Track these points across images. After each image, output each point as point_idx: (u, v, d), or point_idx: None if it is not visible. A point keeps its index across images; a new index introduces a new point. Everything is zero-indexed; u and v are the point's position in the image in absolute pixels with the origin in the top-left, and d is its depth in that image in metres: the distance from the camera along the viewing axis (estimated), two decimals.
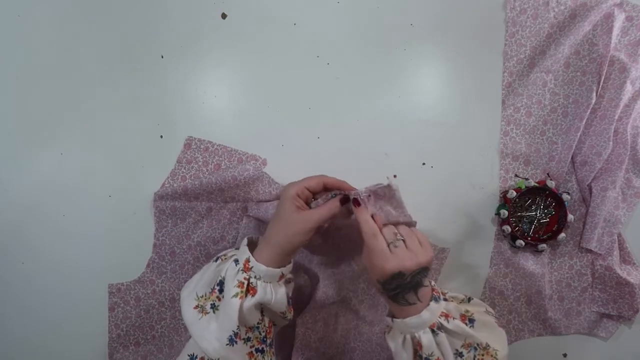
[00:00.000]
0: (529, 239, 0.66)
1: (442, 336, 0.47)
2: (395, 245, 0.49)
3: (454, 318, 0.48)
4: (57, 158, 0.63)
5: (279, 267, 0.49)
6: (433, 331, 0.47)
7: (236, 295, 0.46)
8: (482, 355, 0.48)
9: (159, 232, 0.64)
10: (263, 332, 0.50)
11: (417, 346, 0.48)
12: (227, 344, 0.46)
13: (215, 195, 0.63)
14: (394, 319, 0.50)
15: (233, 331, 0.46)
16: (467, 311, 0.51)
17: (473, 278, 0.68)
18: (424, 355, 0.47)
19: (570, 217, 0.66)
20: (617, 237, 0.67)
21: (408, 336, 0.48)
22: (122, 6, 0.63)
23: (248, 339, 0.48)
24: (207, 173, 0.64)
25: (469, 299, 0.54)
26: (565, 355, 0.71)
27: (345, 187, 0.53)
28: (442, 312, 0.48)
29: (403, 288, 0.48)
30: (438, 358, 0.47)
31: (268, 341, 0.50)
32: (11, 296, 0.64)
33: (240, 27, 0.65)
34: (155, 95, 0.64)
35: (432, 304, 0.48)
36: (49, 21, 0.63)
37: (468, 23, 0.67)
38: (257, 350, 0.49)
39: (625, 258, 0.69)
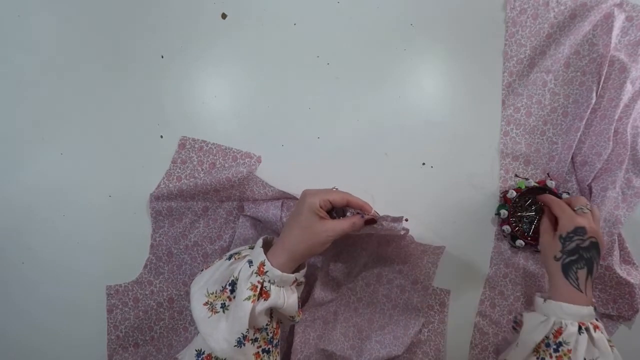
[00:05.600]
0: (529, 239, 0.66)
1: (585, 338, 0.48)
2: (583, 211, 0.54)
3: (602, 332, 0.50)
4: (57, 158, 0.63)
5: (293, 273, 0.49)
6: (579, 328, 0.48)
7: (249, 298, 0.46)
8: None
9: (156, 232, 0.64)
10: (270, 333, 0.50)
11: (553, 333, 0.49)
12: (235, 346, 0.46)
13: (211, 195, 0.62)
14: (548, 300, 0.51)
15: (242, 334, 0.46)
16: (609, 340, 0.51)
17: (473, 278, 0.68)
18: (559, 340, 0.48)
19: None
20: (617, 237, 0.67)
21: (552, 319, 0.49)
22: (122, 6, 0.63)
23: (255, 340, 0.48)
24: (202, 172, 0.64)
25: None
26: None
27: (367, 209, 0.53)
28: (594, 323, 0.50)
29: (580, 255, 0.51)
30: (570, 350, 0.48)
31: (275, 342, 0.51)
32: (10, 296, 0.64)
33: (240, 27, 0.65)
34: (155, 95, 0.64)
35: (594, 311, 0.50)
36: (49, 21, 0.63)
37: (468, 23, 0.67)
38: (263, 350, 0.49)
39: (625, 258, 0.69)
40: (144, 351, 0.65)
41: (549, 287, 0.54)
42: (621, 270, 0.67)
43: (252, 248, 0.53)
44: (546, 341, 0.49)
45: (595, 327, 0.50)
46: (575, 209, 0.55)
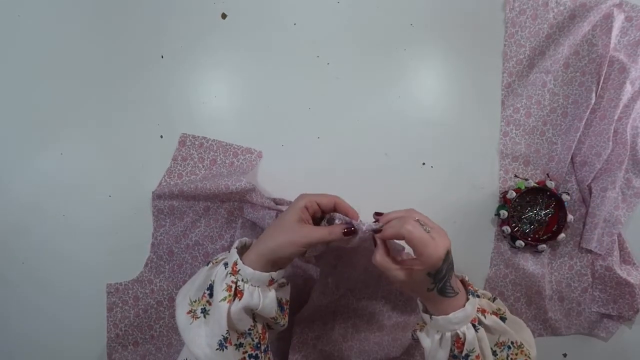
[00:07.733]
0: (529, 239, 0.66)
1: (482, 331, 0.46)
2: (428, 230, 0.45)
3: (490, 313, 0.48)
4: (57, 158, 0.63)
5: (267, 272, 0.47)
6: (474, 326, 0.46)
7: (224, 299, 0.46)
8: (516, 354, 0.47)
9: (157, 231, 0.64)
10: (256, 338, 0.48)
11: (454, 344, 0.47)
12: (217, 349, 0.45)
13: (211, 196, 0.62)
14: (434, 317, 0.48)
15: (223, 336, 0.45)
16: (499, 309, 0.50)
17: (473, 278, 0.68)
18: (465, 352, 0.46)
19: (570, 217, 0.66)
20: (617, 237, 0.67)
21: (448, 334, 0.47)
22: (122, 6, 0.64)
23: (240, 345, 0.47)
24: (203, 169, 0.64)
25: (494, 299, 0.53)
26: (565, 355, 0.71)
27: (353, 215, 0.51)
28: (478, 307, 0.48)
29: (448, 272, 0.46)
30: (478, 355, 0.46)
31: (262, 347, 0.49)
32: (11, 296, 0.64)
33: (240, 27, 0.65)
34: (156, 95, 0.64)
35: (471, 297, 0.48)
36: (49, 21, 0.63)
37: (468, 23, 0.68)
38: (250, 356, 0.48)
39: (625, 258, 0.69)
40: (144, 350, 0.65)
41: (426, 305, 0.49)
42: (621, 271, 0.67)
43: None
44: (452, 354, 0.47)
45: (483, 312, 0.47)
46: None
